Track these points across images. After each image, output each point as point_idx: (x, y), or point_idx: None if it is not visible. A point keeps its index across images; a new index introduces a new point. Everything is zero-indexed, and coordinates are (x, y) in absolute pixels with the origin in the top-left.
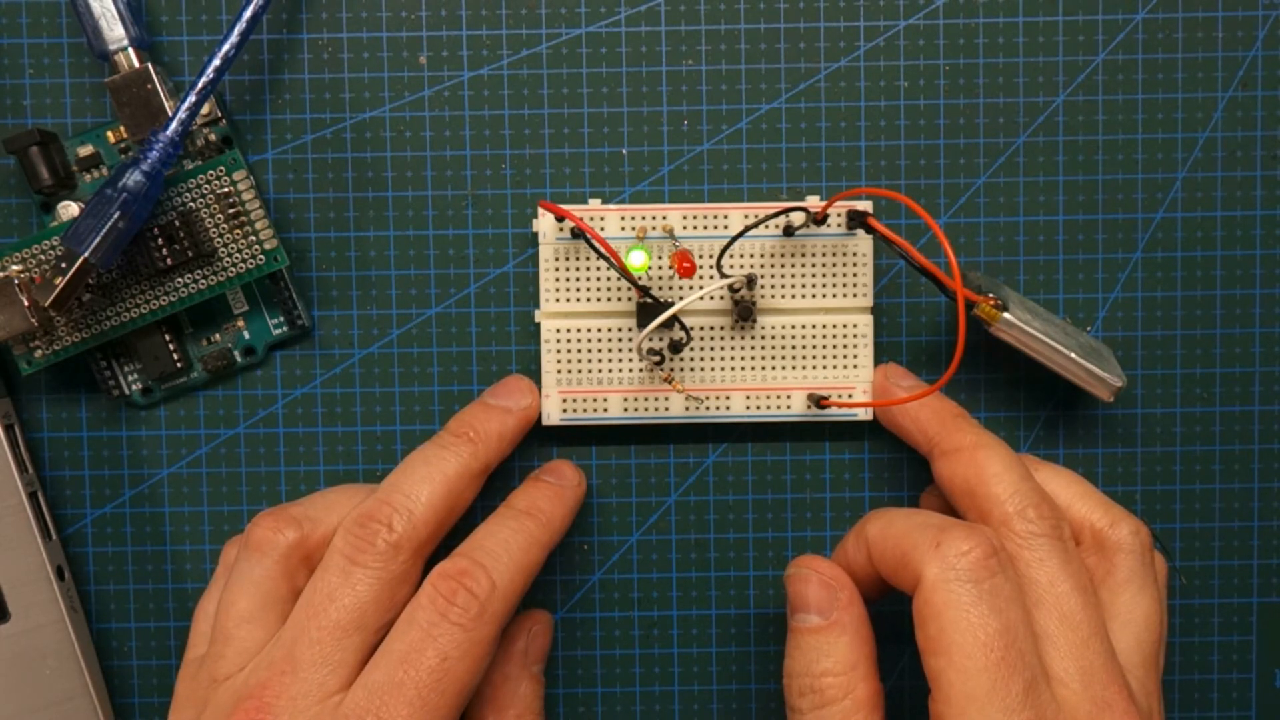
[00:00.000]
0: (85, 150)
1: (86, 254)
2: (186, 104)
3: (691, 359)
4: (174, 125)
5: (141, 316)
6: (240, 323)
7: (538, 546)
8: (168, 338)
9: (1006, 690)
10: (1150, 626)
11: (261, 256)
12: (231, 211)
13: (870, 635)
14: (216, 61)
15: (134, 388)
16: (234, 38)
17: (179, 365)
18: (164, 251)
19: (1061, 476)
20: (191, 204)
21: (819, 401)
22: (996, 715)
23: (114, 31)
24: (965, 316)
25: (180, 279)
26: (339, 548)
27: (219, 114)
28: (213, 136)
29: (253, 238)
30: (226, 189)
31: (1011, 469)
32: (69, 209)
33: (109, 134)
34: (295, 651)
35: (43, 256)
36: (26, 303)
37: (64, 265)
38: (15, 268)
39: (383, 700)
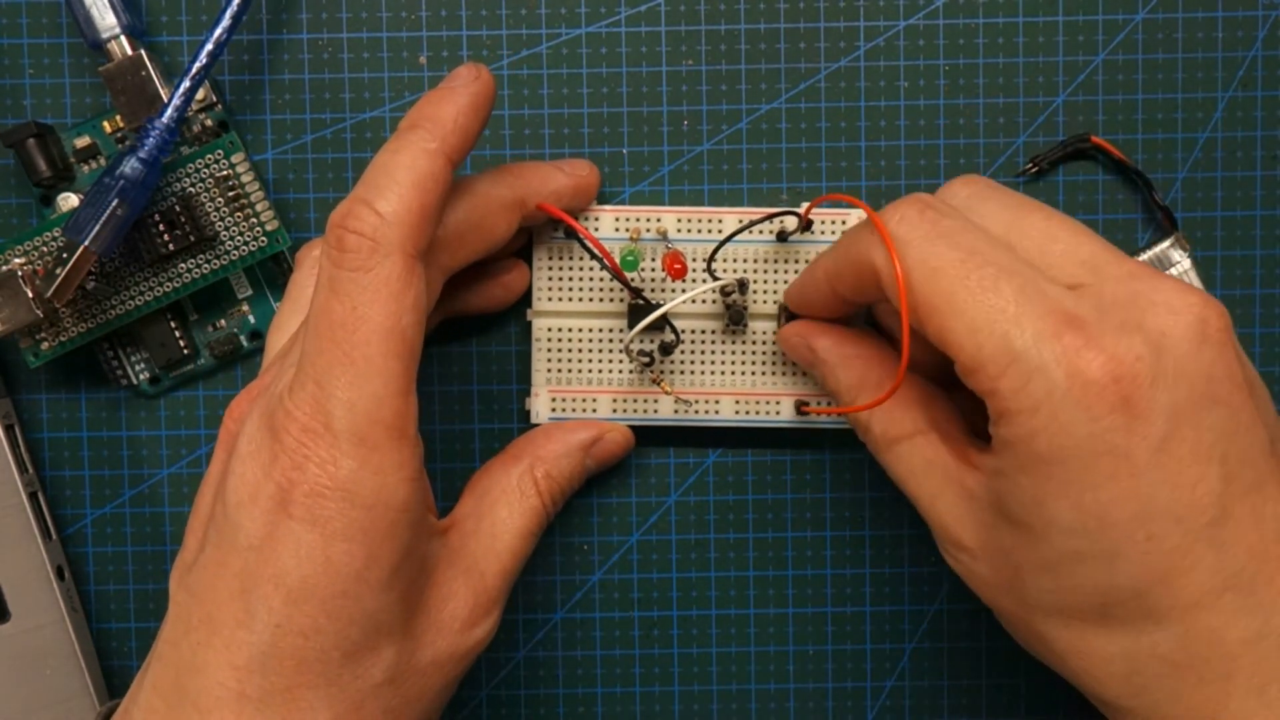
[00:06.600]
0: (82, 141)
1: (86, 243)
2: (182, 89)
3: (681, 362)
4: (170, 111)
5: (146, 304)
6: (245, 307)
7: (426, 156)
8: (173, 325)
9: (1019, 298)
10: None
11: (264, 238)
12: (231, 195)
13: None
14: (209, 46)
15: (142, 377)
16: (226, 20)
17: (186, 352)
18: (165, 237)
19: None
20: (191, 188)
21: (799, 407)
22: (1028, 323)
23: (105, 20)
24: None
25: (183, 264)
26: (324, 266)
27: (214, 99)
28: (209, 122)
29: (254, 220)
30: (225, 172)
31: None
32: (69, 200)
33: (105, 124)
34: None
35: (45, 249)
36: (31, 294)
37: (65, 255)
38: (18, 260)
39: (310, 368)
